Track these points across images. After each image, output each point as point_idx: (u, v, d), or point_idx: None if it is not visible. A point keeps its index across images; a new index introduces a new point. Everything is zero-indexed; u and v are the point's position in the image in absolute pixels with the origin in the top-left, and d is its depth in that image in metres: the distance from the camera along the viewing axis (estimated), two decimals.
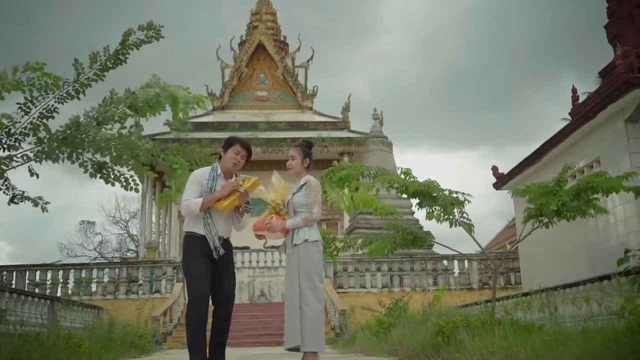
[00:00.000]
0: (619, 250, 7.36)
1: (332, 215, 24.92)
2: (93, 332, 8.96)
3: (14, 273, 16.86)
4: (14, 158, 6.72)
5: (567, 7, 75.47)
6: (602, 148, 10.50)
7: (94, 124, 6.49)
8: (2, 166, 6.70)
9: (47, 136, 6.50)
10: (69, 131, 6.41)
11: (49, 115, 6.65)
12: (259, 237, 4.69)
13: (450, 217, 6.71)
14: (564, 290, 7.64)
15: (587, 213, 6.56)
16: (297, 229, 4.53)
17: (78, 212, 64.30)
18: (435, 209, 6.67)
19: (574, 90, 12.96)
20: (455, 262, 18.32)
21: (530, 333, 5.12)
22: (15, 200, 7.34)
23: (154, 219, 27.04)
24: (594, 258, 10.51)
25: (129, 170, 7.17)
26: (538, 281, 9.35)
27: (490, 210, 63.20)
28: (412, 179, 6.74)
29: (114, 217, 38.44)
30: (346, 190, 7.16)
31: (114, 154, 6.73)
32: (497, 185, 14.65)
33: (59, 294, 16.23)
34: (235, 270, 4.76)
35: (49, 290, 16.34)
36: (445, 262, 18.27)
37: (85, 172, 6.90)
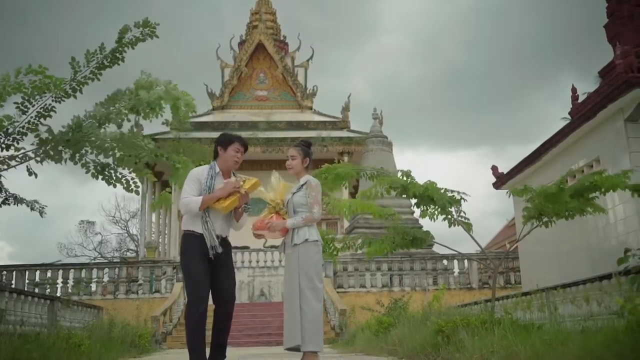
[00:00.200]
0: (619, 249, 7.36)
1: (332, 215, 24.91)
2: (93, 331, 8.95)
3: (14, 273, 16.86)
4: (16, 158, 6.73)
5: (566, 7, 75.53)
6: (602, 147, 10.50)
7: (96, 125, 6.51)
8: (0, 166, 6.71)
9: (50, 137, 6.51)
10: (71, 132, 6.42)
11: (46, 114, 6.66)
12: (258, 236, 4.68)
13: (449, 216, 6.71)
14: (563, 290, 7.64)
15: (585, 212, 6.56)
16: (297, 228, 4.53)
17: (78, 212, 64.38)
18: (429, 207, 6.66)
19: (574, 90, 12.96)
20: (455, 261, 18.32)
21: (530, 332, 5.12)
22: (8, 202, 7.35)
23: (153, 219, 27.04)
24: (594, 257, 10.51)
25: (130, 172, 7.19)
26: (538, 281, 9.36)
27: (490, 210, 63.27)
28: (413, 181, 6.73)
29: (114, 217, 38.50)
30: (345, 194, 7.16)
31: (117, 155, 6.76)
32: (497, 185, 14.65)
33: (58, 294, 16.24)
34: (235, 270, 4.76)
35: (48, 290, 16.34)
36: (445, 261, 18.27)
37: (87, 172, 6.93)
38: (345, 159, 23.48)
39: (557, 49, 77.29)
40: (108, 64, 6.74)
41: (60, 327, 8.78)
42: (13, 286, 15.18)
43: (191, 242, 4.26)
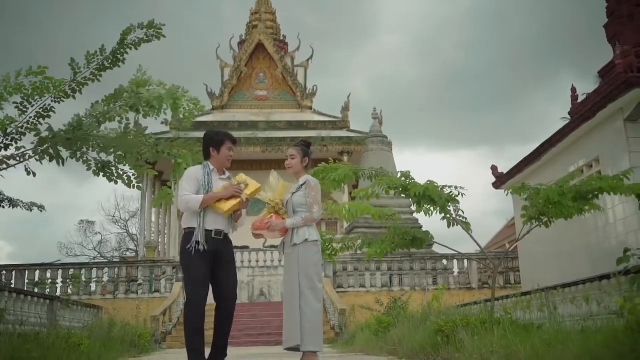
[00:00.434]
0: (619, 249, 7.35)
1: (332, 214, 24.90)
2: (92, 331, 8.94)
3: (14, 272, 16.86)
4: (15, 158, 6.74)
5: (566, 7, 75.54)
6: (602, 147, 10.50)
7: (96, 123, 6.52)
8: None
9: (51, 136, 6.51)
10: (72, 130, 6.43)
11: (45, 114, 6.66)
12: (258, 236, 4.68)
13: (447, 216, 6.70)
14: (563, 290, 7.64)
15: (584, 211, 6.56)
16: (296, 228, 4.52)
17: (78, 212, 64.41)
18: (427, 205, 6.64)
19: (574, 90, 12.95)
20: (455, 261, 18.32)
21: (529, 332, 5.12)
22: (2, 205, 7.37)
23: (153, 219, 27.04)
24: (594, 257, 10.51)
25: (131, 169, 7.21)
26: (537, 280, 9.35)
27: (489, 210, 63.28)
28: (412, 181, 6.72)
29: (114, 216, 38.52)
30: (345, 195, 7.18)
31: (119, 152, 6.77)
32: (497, 185, 14.65)
33: (58, 294, 16.24)
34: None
35: (48, 290, 16.34)
36: (444, 261, 18.27)
37: (88, 169, 6.95)
38: (345, 158, 23.46)
39: (557, 49, 77.35)
40: (109, 65, 6.73)
41: (60, 326, 8.78)
42: (13, 286, 15.17)
43: (190, 239, 4.25)
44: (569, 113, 13.07)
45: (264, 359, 7.77)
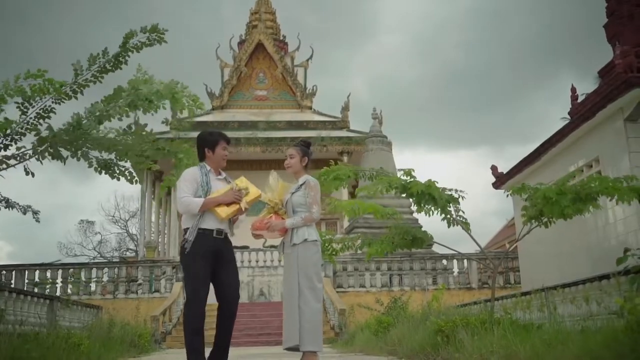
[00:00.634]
0: (619, 249, 7.36)
1: (332, 214, 24.90)
2: (92, 331, 8.95)
3: (13, 272, 16.85)
4: (15, 157, 6.76)
5: (566, 7, 75.55)
6: (602, 147, 10.50)
7: (96, 122, 6.54)
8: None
9: (50, 135, 6.53)
10: (71, 129, 6.45)
11: (45, 115, 6.68)
12: (257, 236, 4.68)
13: (448, 216, 6.71)
14: (563, 290, 7.64)
15: (584, 211, 6.55)
16: (296, 228, 4.52)
17: (77, 212, 64.41)
18: (430, 206, 6.64)
19: (573, 90, 12.95)
20: (455, 261, 18.32)
21: (529, 332, 5.12)
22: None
23: (153, 219, 27.05)
24: (594, 257, 10.51)
25: (132, 168, 7.26)
26: (537, 280, 9.35)
27: (489, 210, 63.27)
28: (414, 180, 6.72)
29: (114, 216, 38.53)
30: (344, 193, 7.18)
31: (120, 149, 6.81)
32: (497, 185, 14.65)
33: (58, 294, 16.23)
34: None
35: (48, 290, 16.34)
36: (444, 261, 18.28)
37: (89, 166, 6.98)
38: (345, 158, 23.46)
39: (557, 49, 77.35)
40: (110, 67, 6.75)
41: (60, 326, 8.79)
42: (12, 286, 15.17)
43: (186, 239, 4.24)
44: (569, 113, 13.06)
45: (264, 359, 7.77)
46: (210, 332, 4.28)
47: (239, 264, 17.61)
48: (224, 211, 4.22)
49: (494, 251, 26.20)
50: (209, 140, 4.43)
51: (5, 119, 6.47)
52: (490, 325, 5.45)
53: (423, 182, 6.72)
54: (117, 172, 7.06)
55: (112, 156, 6.97)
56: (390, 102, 79.30)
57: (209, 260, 4.21)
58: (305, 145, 4.80)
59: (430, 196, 6.51)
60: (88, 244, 38.05)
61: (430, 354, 5.98)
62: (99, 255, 37.49)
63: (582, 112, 10.81)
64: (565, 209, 6.11)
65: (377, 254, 7.39)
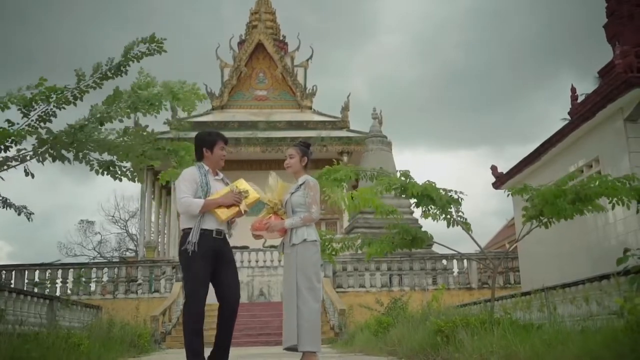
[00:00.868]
0: (619, 249, 7.36)
1: (331, 214, 24.92)
2: (92, 331, 8.94)
3: (13, 272, 16.86)
4: (16, 158, 6.82)
5: (566, 7, 75.55)
6: (602, 147, 10.50)
7: (97, 124, 6.62)
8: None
9: (51, 137, 6.61)
10: (73, 131, 6.53)
11: (46, 118, 6.76)
12: (257, 237, 4.68)
13: (448, 216, 6.70)
14: (563, 290, 7.64)
15: (585, 212, 6.55)
16: (295, 228, 4.52)
17: (77, 212, 64.41)
18: (431, 207, 6.66)
19: (573, 90, 12.96)
20: (455, 261, 18.32)
21: (529, 332, 5.12)
22: None
23: (153, 219, 27.04)
24: (594, 257, 10.51)
25: (133, 168, 7.31)
26: (537, 281, 9.36)
27: (489, 210, 63.27)
28: (412, 182, 6.73)
29: (113, 216, 38.50)
30: (344, 191, 7.17)
31: (121, 153, 6.88)
32: (497, 185, 14.65)
33: (58, 294, 16.23)
34: None
35: (48, 290, 16.34)
36: (444, 261, 18.28)
37: (91, 169, 7.05)
38: (345, 158, 23.47)
39: (557, 49, 77.36)
40: (111, 75, 6.84)
41: (60, 326, 8.78)
42: (12, 286, 15.17)
43: (188, 241, 4.23)
44: (569, 113, 13.07)
45: (264, 359, 7.77)
46: (210, 332, 4.28)
47: (238, 264, 17.76)
48: (224, 213, 4.22)
49: (494, 251, 26.21)
50: (207, 140, 4.44)
51: (8, 121, 6.56)
52: (490, 325, 5.45)
53: (422, 183, 6.72)
54: (119, 172, 7.14)
55: (113, 158, 7.03)
56: (390, 102, 79.36)
57: (209, 261, 4.21)
58: (304, 145, 4.80)
59: (429, 197, 6.51)
60: (88, 244, 38.08)
61: (430, 354, 5.98)
62: (98, 256, 37.49)
63: (582, 112, 10.82)
64: (565, 209, 6.11)
65: (377, 253, 7.39)
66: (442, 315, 7.09)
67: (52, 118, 6.81)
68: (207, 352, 4.26)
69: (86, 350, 7.09)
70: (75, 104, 6.83)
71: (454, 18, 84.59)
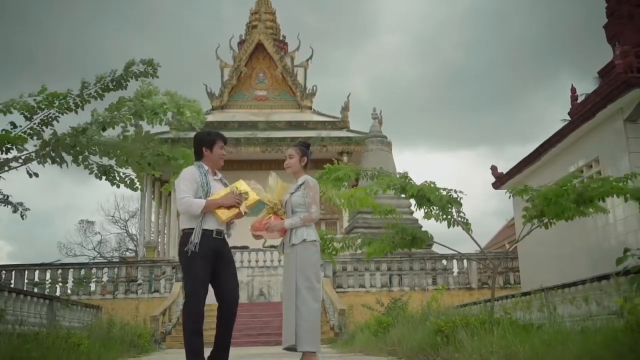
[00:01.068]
0: (619, 249, 7.36)
1: (331, 214, 24.92)
2: (92, 331, 8.94)
3: (13, 272, 16.86)
4: (17, 160, 6.91)
5: (566, 7, 75.54)
6: (602, 148, 10.50)
7: (99, 129, 6.78)
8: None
9: (53, 140, 6.73)
10: (75, 134, 6.66)
11: (49, 122, 6.90)
12: (257, 237, 4.69)
13: (448, 217, 6.70)
14: (562, 290, 7.64)
15: (586, 213, 6.55)
16: (295, 228, 4.52)
17: (77, 212, 64.38)
18: (433, 208, 6.66)
19: (573, 90, 12.96)
20: (455, 261, 18.33)
21: (529, 332, 5.12)
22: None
23: (153, 219, 27.03)
24: (594, 258, 10.51)
25: (132, 173, 7.42)
26: (537, 281, 9.35)
27: (489, 210, 63.26)
28: (411, 183, 6.72)
29: (113, 216, 38.50)
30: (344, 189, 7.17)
31: (122, 157, 7.01)
32: (497, 185, 14.65)
33: (58, 294, 16.23)
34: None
35: (48, 290, 16.34)
36: (444, 261, 18.28)
37: (90, 173, 7.15)
38: (345, 158, 23.46)
39: (557, 49, 77.34)
40: (113, 87, 7.07)
41: (60, 326, 8.78)
42: (12, 286, 15.17)
43: (190, 241, 4.23)
44: (569, 113, 13.06)
45: (264, 359, 7.77)
46: (210, 332, 4.28)
47: (238, 264, 17.78)
48: (224, 214, 4.23)
49: (493, 251, 26.21)
50: (206, 140, 4.45)
51: (11, 123, 6.68)
52: (490, 325, 5.45)
53: (420, 183, 6.72)
54: (117, 179, 7.25)
55: (112, 162, 7.17)
56: (390, 102, 79.36)
57: (209, 261, 4.21)
58: (304, 145, 4.80)
59: (426, 197, 6.51)
60: (88, 244, 38.08)
61: (429, 354, 5.98)
62: (98, 256, 37.48)
63: (582, 113, 10.81)
64: (568, 209, 6.10)
65: (377, 253, 7.39)
66: (442, 315, 7.09)
67: (54, 122, 6.98)
68: (207, 352, 4.26)
69: (86, 350, 7.09)
70: (76, 112, 7.01)
71: (453, 18, 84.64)
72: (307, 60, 29.69)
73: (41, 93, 6.66)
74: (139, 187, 7.59)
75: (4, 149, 6.75)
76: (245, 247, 18.07)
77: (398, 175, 6.97)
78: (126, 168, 7.34)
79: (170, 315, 15.49)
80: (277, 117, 26.83)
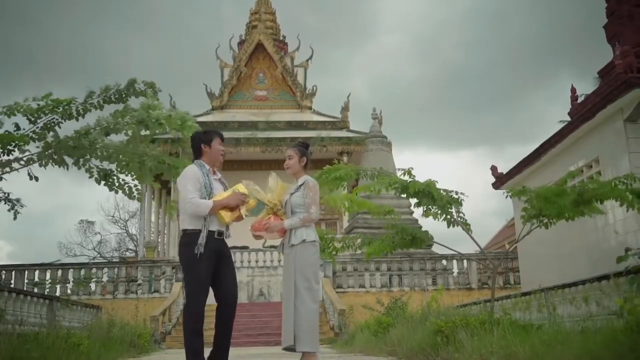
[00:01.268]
0: (619, 250, 7.37)
1: (331, 214, 24.91)
2: (92, 331, 8.94)
3: (13, 272, 16.86)
4: (19, 161, 7.00)
5: (566, 7, 75.53)
6: (601, 148, 10.50)
7: (103, 133, 6.93)
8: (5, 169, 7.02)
9: (55, 142, 6.85)
10: (78, 137, 6.79)
11: (51, 127, 7.03)
12: (257, 237, 4.69)
13: (448, 216, 6.70)
14: (562, 290, 7.65)
15: (585, 214, 6.55)
16: (294, 229, 4.53)
17: (77, 212, 64.42)
18: (432, 207, 6.66)
19: (573, 90, 12.96)
20: (454, 261, 18.33)
21: (529, 333, 5.12)
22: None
23: (153, 219, 27.04)
24: (594, 258, 10.51)
25: (133, 180, 7.56)
26: (537, 281, 9.36)
27: (489, 210, 63.24)
28: (413, 180, 6.72)
29: (113, 216, 38.48)
30: (344, 190, 7.19)
31: (123, 162, 7.15)
32: (496, 185, 14.65)
33: (58, 294, 16.23)
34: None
35: (47, 290, 16.34)
36: (444, 261, 18.28)
37: (90, 177, 7.26)
38: (345, 158, 23.46)
39: (557, 49, 77.32)
40: (114, 100, 7.26)
41: (60, 326, 8.78)
42: (12, 286, 15.17)
43: (194, 240, 4.23)
44: (569, 113, 13.06)
45: (264, 359, 7.77)
46: (209, 332, 4.28)
47: (238, 264, 17.78)
48: (227, 216, 4.26)
49: (493, 251, 26.20)
50: (204, 137, 4.48)
51: (15, 124, 6.79)
52: (489, 325, 5.46)
53: (424, 181, 6.72)
54: (117, 184, 7.39)
55: (113, 167, 7.32)
56: (390, 102, 79.33)
57: (212, 261, 4.22)
58: (303, 145, 4.80)
59: (430, 195, 6.51)
60: (88, 244, 38.06)
61: (429, 354, 5.98)
62: (98, 256, 37.48)
63: (582, 113, 10.82)
64: (566, 209, 6.10)
65: (376, 253, 7.39)
66: (442, 315, 7.09)
67: (56, 127, 7.11)
68: (207, 352, 4.26)
69: (86, 350, 7.09)
70: (77, 119, 7.15)
71: (453, 18, 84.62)
72: (307, 60, 29.68)
73: (45, 98, 6.82)
74: (138, 197, 7.81)
75: (6, 150, 6.83)
76: (245, 247, 18.06)
77: (401, 173, 6.94)
78: (126, 175, 7.51)
79: (170, 315, 15.49)
80: (277, 117, 26.83)
